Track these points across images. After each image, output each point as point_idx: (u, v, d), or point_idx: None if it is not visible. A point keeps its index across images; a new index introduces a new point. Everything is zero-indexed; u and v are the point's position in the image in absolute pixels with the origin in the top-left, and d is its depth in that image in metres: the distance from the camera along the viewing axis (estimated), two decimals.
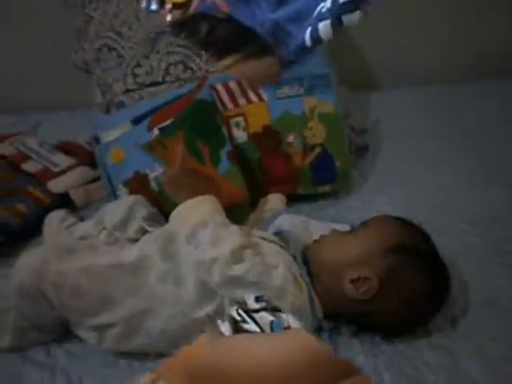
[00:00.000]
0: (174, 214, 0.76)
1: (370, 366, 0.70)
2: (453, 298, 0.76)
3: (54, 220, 0.95)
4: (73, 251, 0.76)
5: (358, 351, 0.72)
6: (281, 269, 0.69)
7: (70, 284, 0.70)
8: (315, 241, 0.79)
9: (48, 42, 1.34)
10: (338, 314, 0.74)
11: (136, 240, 0.81)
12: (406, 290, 0.70)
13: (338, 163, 1.01)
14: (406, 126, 1.27)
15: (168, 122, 0.90)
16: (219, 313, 0.70)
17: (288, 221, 0.88)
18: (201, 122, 0.92)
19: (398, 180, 1.08)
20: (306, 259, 0.75)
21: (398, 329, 0.73)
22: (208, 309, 0.70)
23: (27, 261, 0.72)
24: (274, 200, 0.97)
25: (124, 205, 0.86)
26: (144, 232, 0.82)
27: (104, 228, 0.84)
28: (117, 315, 0.71)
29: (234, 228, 0.73)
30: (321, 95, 0.99)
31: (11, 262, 0.86)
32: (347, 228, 0.83)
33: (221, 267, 0.67)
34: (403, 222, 0.76)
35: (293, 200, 1.01)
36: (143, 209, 0.86)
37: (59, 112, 1.37)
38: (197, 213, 0.74)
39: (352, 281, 0.70)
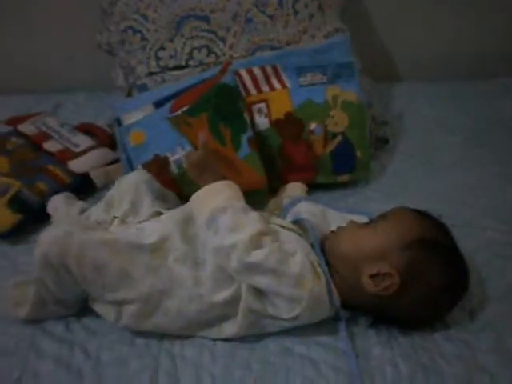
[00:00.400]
0: (194, 198, 0.77)
1: (386, 357, 0.71)
2: (471, 292, 0.77)
3: (60, 206, 0.94)
4: (93, 228, 0.77)
5: (374, 342, 0.73)
6: (299, 256, 0.70)
7: (91, 257, 0.71)
8: (333, 232, 0.79)
9: (70, 23, 1.35)
10: (355, 306, 0.74)
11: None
12: (425, 284, 0.69)
13: (358, 153, 1.00)
14: (426, 119, 1.27)
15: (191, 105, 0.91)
16: (236, 298, 0.71)
17: (306, 208, 0.88)
18: (224, 106, 0.92)
19: (417, 173, 1.08)
20: (324, 249, 0.76)
21: (416, 322, 0.73)
22: (225, 293, 0.71)
23: (51, 233, 0.73)
24: (294, 188, 0.98)
25: (130, 188, 0.85)
26: (157, 214, 0.83)
27: (115, 217, 0.85)
28: (135, 292, 0.72)
29: (254, 214, 0.73)
30: (344, 84, 0.99)
31: (32, 238, 0.89)
32: (365, 219, 0.82)
33: (239, 253, 0.67)
34: (422, 215, 0.75)
35: (312, 189, 1.01)
36: (151, 189, 0.86)
37: (80, 93, 1.38)
38: (217, 198, 0.74)
39: (371, 276, 0.70)
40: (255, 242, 0.68)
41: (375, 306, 0.72)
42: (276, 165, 0.98)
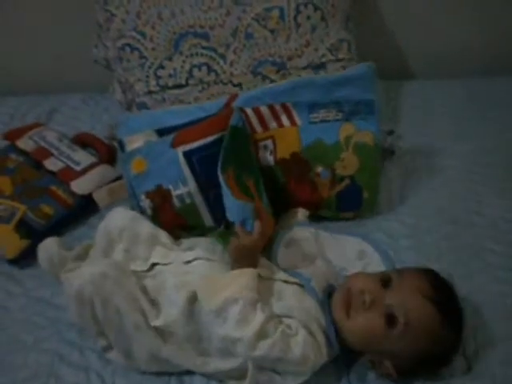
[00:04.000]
0: (203, 287, 0.85)
1: None
2: (467, 337, 0.87)
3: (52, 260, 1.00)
4: (127, 275, 0.91)
5: (372, 378, 0.86)
6: (300, 335, 0.81)
7: (115, 304, 0.85)
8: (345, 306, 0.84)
9: (68, 23, 1.44)
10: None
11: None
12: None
13: (365, 194, 1.06)
14: (437, 121, 1.37)
15: (197, 145, 0.98)
16: (243, 368, 0.83)
17: (299, 235, 1.00)
18: (240, 154, 0.96)
19: (424, 187, 1.18)
20: (329, 293, 0.88)
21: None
22: (234, 362, 0.84)
23: (88, 270, 0.88)
24: (295, 213, 1.08)
25: (118, 234, 0.97)
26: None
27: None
28: (144, 347, 0.87)
29: (261, 306, 0.82)
30: (361, 122, 1.02)
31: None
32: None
33: (244, 349, 0.79)
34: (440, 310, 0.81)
35: (316, 218, 1.10)
36: (137, 232, 0.97)
37: (76, 95, 1.50)
38: (231, 286, 0.82)
39: (372, 361, 0.84)
40: (259, 334, 0.79)
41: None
42: (279, 199, 1.06)
